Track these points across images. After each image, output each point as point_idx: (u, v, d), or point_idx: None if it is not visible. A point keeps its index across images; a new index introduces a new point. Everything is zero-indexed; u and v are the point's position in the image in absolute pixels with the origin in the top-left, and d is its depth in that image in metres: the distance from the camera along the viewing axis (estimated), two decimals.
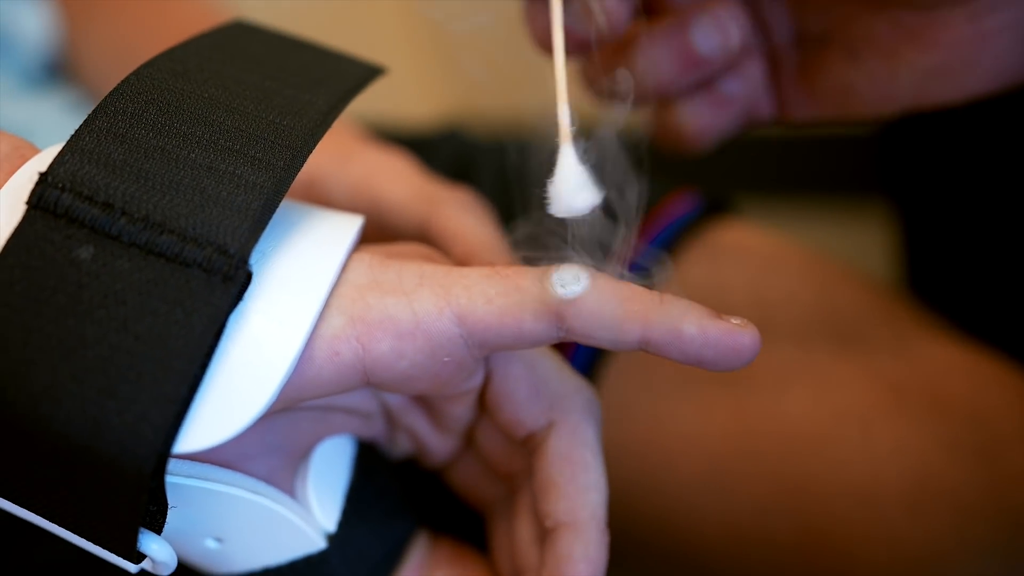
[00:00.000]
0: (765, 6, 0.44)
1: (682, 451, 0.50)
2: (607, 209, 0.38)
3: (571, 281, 0.33)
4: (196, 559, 0.36)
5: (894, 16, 0.40)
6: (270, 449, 0.36)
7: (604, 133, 0.37)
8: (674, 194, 0.56)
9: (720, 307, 0.33)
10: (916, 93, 0.41)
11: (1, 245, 0.30)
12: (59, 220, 0.30)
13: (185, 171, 0.32)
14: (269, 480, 0.35)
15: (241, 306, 0.31)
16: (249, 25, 0.39)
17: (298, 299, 0.32)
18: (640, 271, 0.50)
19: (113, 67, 0.61)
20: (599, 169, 0.35)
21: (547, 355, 0.37)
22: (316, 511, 0.36)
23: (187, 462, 0.33)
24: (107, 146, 0.31)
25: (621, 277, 0.33)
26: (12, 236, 0.30)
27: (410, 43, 1.06)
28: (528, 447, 0.37)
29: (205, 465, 0.34)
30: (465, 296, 0.33)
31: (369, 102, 0.44)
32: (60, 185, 0.30)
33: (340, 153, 0.48)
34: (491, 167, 0.58)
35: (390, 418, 0.38)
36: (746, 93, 0.45)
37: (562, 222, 0.34)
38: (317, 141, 0.34)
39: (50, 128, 0.58)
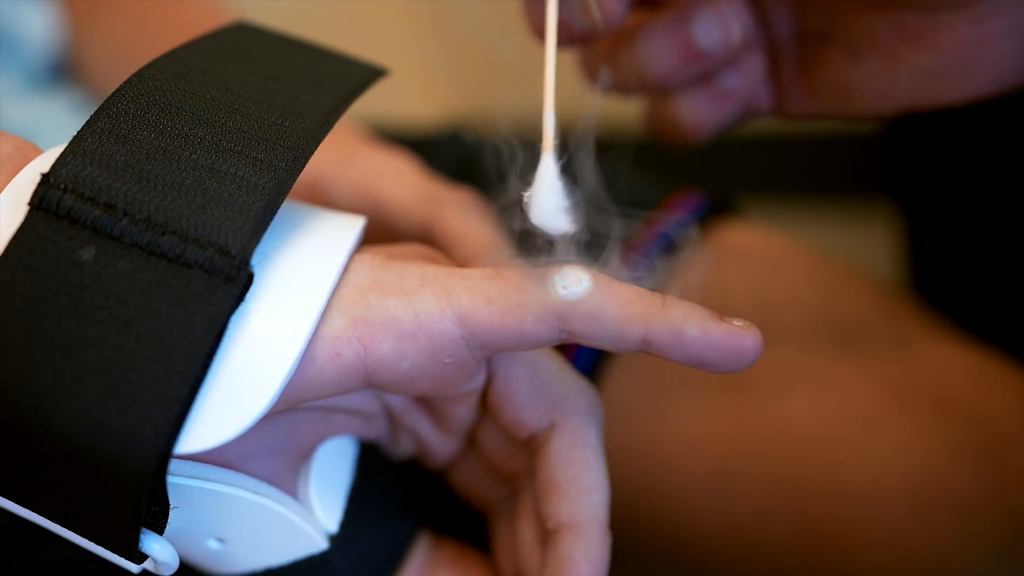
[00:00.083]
0: (767, 1, 0.44)
1: (684, 452, 0.50)
2: (607, 209, 0.38)
3: (573, 283, 0.33)
4: (198, 559, 0.36)
5: (896, 16, 0.40)
6: (272, 450, 0.36)
7: (585, 135, 0.36)
8: (678, 194, 0.56)
9: (723, 308, 0.33)
10: (915, 93, 0.41)
11: (3, 246, 0.30)
12: (61, 221, 0.30)
13: (187, 172, 0.32)
14: (271, 481, 0.35)
15: (242, 307, 0.31)
16: (251, 26, 0.39)
17: (300, 300, 0.32)
18: (642, 272, 0.50)
19: (116, 68, 0.61)
20: (587, 173, 0.35)
21: (549, 356, 0.37)
22: (318, 511, 0.36)
23: (189, 463, 0.33)
24: (109, 147, 0.31)
25: (623, 279, 0.33)
26: (14, 237, 0.30)
27: (413, 44, 1.06)
28: (530, 448, 0.37)
29: (207, 466, 0.34)
30: (467, 297, 0.33)
31: (371, 103, 0.44)
32: (62, 186, 0.30)
33: (342, 154, 0.48)
34: (493, 168, 0.58)
35: (392, 419, 0.38)
36: (745, 87, 0.45)
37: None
38: (319, 142, 0.34)
39: (54, 129, 0.58)
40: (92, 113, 0.32)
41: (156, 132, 0.32)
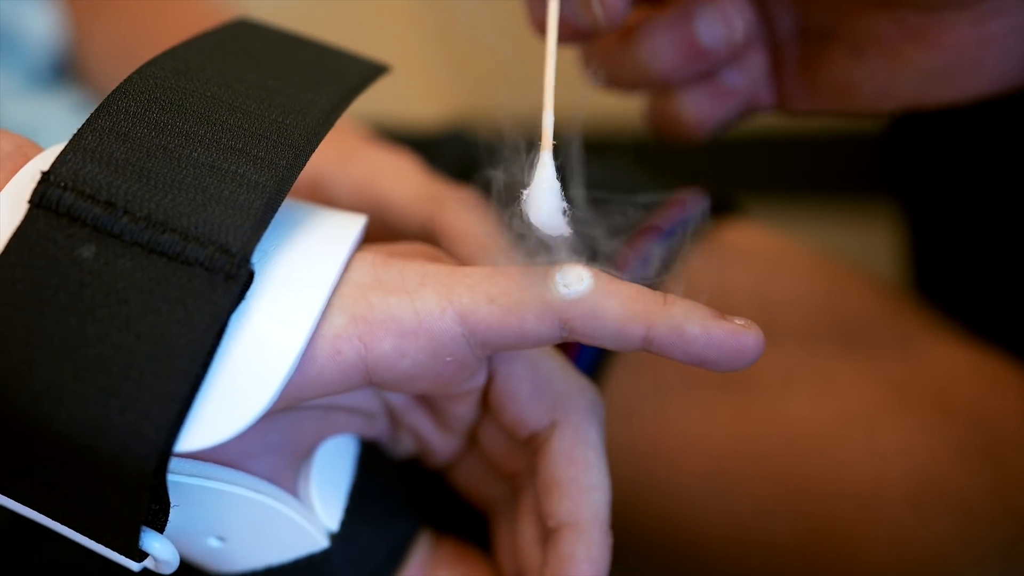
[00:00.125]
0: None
1: (685, 452, 0.50)
2: (608, 208, 0.38)
3: (574, 281, 0.33)
4: (198, 558, 0.36)
5: (899, 15, 0.40)
6: (272, 448, 0.36)
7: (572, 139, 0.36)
8: (679, 194, 0.56)
9: (724, 308, 0.33)
10: (916, 92, 0.41)
11: (3, 244, 0.30)
12: (61, 219, 0.30)
13: (187, 170, 0.32)
14: (271, 479, 0.35)
15: (243, 305, 0.31)
16: (252, 24, 0.39)
17: (300, 298, 0.32)
18: (644, 271, 0.50)
19: (118, 67, 0.61)
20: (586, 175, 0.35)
21: (550, 355, 0.37)
22: (319, 510, 0.36)
23: (189, 461, 0.33)
24: (109, 145, 0.31)
25: (624, 277, 0.33)
26: (14, 235, 0.30)
27: (415, 43, 1.06)
28: (531, 447, 0.37)
29: (207, 464, 0.34)
30: (468, 295, 0.33)
31: (373, 102, 0.44)
32: (62, 184, 0.30)
33: (344, 153, 0.48)
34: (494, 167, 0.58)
35: (393, 418, 0.38)
36: (747, 84, 0.44)
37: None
38: (320, 140, 0.34)
39: (56, 128, 0.58)
40: (93, 111, 0.32)
41: (156, 130, 0.32)
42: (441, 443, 0.39)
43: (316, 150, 0.34)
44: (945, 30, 0.40)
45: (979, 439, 0.49)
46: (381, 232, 0.45)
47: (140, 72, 0.34)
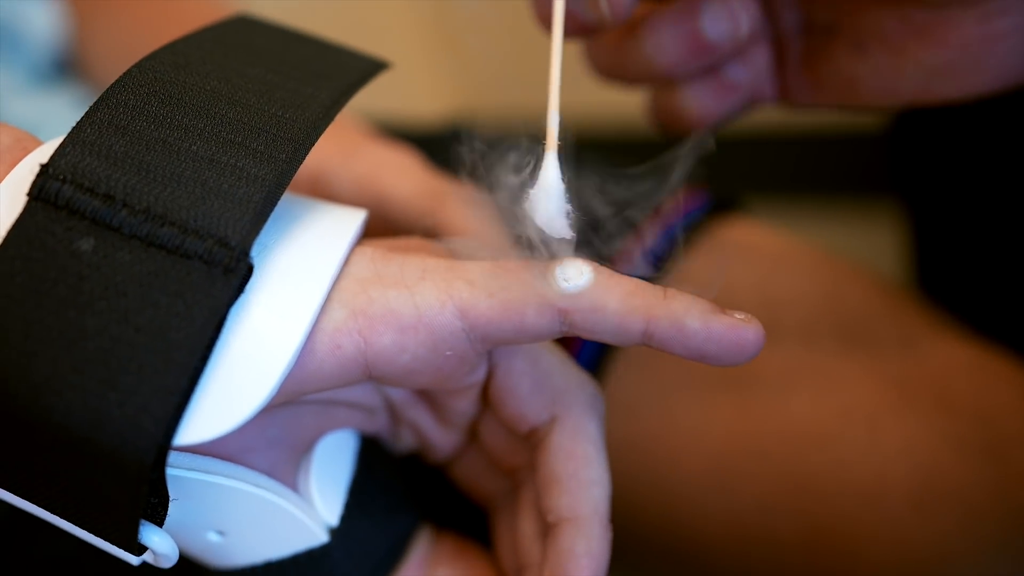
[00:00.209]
0: None
1: (687, 448, 0.50)
2: (610, 205, 0.38)
3: (574, 275, 0.33)
4: (198, 552, 0.36)
5: (904, 12, 0.40)
6: (272, 442, 0.36)
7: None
8: (682, 191, 0.56)
9: (727, 305, 0.33)
10: (920, 89, 0.41)
11: (2, 237, 0.30)
12: (60, 212, 0.30)
13: (186, 163, 0.32)
14: (271, 473, 0.35)
15: (242, 299, 0.31)
16: (252, 19, 0.39)
17: (300, 292, 0.32)
18: (646, 267, 0.50)
19: (120, 64, 0.61)
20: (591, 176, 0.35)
21: (550, 350, 0.37)
22: (318, 505, 0.36)
23: (188, 455, 0.33)
24: (108, 138, 0.31)
25: (625, 273, 0.33)
26: (13, 227, 0.30)
27: (417, 41, 1.06)
28: (531, 442, 0.37)
29: (207, 458, 0.34)
30: (467, 290, 0.33)
31: (376, 99, 0.44)
32: (61, 177, 0.30)
33: (345, 149, 0.48)
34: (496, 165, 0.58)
35: (393, 413, 0.38)
36: (750, 79, 0.44)
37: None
38: (319, 134, 0.34)
39: (58, 124, 0.58)
40: (92, 104, 0.32)
41: (156, 123, 0.32)
42: (441, 438, 0.39)
43: (317, 145, 0.34)
44: (950, 27, 0.40)
45: (981, 437, 0.49)
46: (382, 228, 0.45)
47: (139, 66, 0.34)
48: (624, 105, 0.48)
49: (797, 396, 0.50)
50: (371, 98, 0.41)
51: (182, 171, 0.31)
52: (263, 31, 0.38)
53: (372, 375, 0.33)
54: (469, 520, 0.41)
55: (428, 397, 0.38)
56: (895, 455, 0.49)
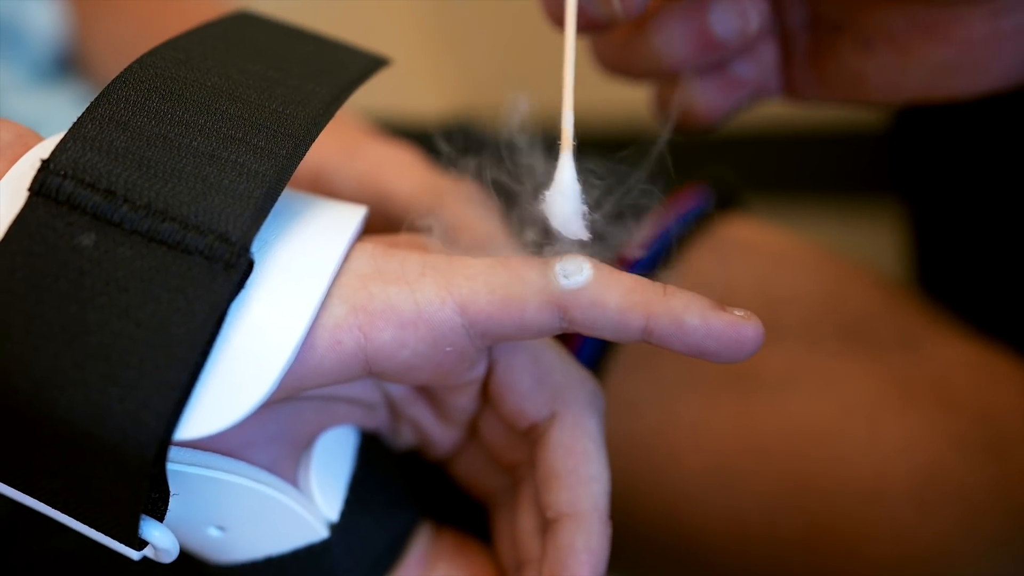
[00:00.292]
0: None
1: (687, 446, 0.50)
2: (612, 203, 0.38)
3: (574, 271, 0.33)
4: (198, 547, 0.36)
5: (911, 10, 0.40)
6: (273, 438, 0.36)
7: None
8: (683, 189, 0.56)
9: (727, 303, 0.33)
10: (925, 86, 0.41)
11: (3, 232, 0.30)
12: (61, 207, 0.30)
13: (187, 159, 0.32)
14: (272, 469, 0.35)
15: (243, 294, 0.31)
16: (253, 16, 0.39)
17: (300, 287, 0.32)
18: (646, 265, 0.50)
19: (121, 61, 0.61)
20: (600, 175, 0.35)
21: (550, 346, 0.37)
22: (319, 500, 0.36)
23: (189, 450, 0.33)
24: (109, 134, 0.31)
25: (625, 269, 0.33)
26: (14, 223, 0.30)
27: (419, 38, 1.06)
28: (531, 438, 0.37)
29: (207, 453, 0.34)
30: (467, 286, 0.33)
31: (378, 97, 0.44)
32: (62, 172, 0.30)
33: (347, 146, 0.48)
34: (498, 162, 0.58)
35: (393, 409, 0.38)
36: (757, 75, 0.44)
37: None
38: (320, 130, 0.34)
39: (59, 121, 0.58)
40: (93, 100, 0.32)
41: (157, 119, 0.32)
42: (441, 434, 0.39)
43: (318, 143, 0.34)
44: (957, 25, 0.40)
45: (982, 435, 0.49)
46: (383, 226, 0.45)
47: (140, 61, 0.34)
48: (630, 101, 0.48)
49: (798, 394, 0.50)
50: (372, 95, 0.41)
51: (183, 167, 0.31)
52: (264, 27, 0.39)
53: (372, 371, 0.33)
54: (469, 516, 0.41)
55: (428, 393, 0.38)
56: (896, 453, 0.49)
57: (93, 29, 0.65)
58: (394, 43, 1.00)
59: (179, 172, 0.31)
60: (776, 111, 0.49)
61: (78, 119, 0.32)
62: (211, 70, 0.34)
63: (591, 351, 0.51)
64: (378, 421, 0.39)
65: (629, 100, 0.47)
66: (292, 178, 0.33)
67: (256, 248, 0.31)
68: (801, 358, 0.51)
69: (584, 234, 0.33)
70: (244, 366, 0.30)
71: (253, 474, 0.35)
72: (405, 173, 0.47)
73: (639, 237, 0.52)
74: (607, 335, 0.33)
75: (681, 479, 0.50)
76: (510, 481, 0.39)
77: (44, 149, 0.32)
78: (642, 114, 0.48)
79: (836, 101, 0.44)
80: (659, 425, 0.51)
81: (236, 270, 0.30)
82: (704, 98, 0.44)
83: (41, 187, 0.30)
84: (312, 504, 0.36)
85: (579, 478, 0.35)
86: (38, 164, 0.31)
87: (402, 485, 0.39)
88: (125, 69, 0.33)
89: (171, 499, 0.32)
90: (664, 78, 0.44)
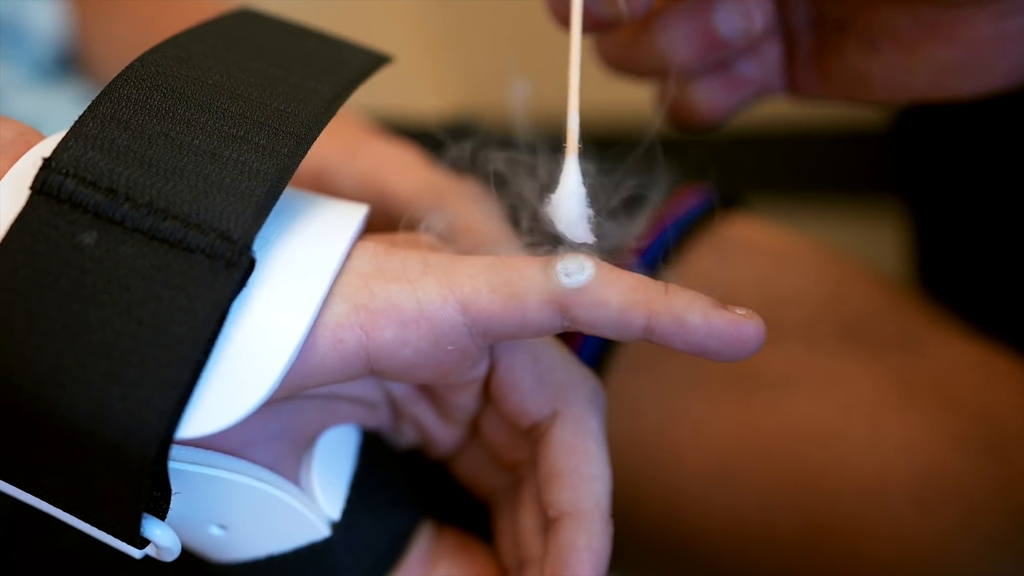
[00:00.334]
0: None
1: (689, 445, 0.50)
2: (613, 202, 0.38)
3: (576, 270, 0.33)
4: (200, 545, 0.36)
5: (916, 10, 0.40)
6: (274, 436, 0.36)
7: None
8: (684, 188, 0.56)
9: (728, 302, 0.33)
10: (930, 86, 0.41)
11: (5, 230, 0.30)
12: (63, 205, 0.30)
13: (189, 157, 0.32)
14: (273, 467, 0.35)
15: (244, 292, 0.31)
16: (254, 13, 0.39)
17: (302, 286, 0.32)
18: (648, 264, 0.50)
19: (122, 60, 0.61)
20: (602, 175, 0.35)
21: (552, 345, 0.37)
22: (320, 499, 0.36)
23: (191, 448, 0.33)
24: (111, 132, 0.31)
25: (627, 269, 0.33)
26: (16, 221, 0.30)
27: (420, 36, 1.06)
28: (532, 437, 0.37)
29: (209, 452, 0.34)
30: (469, 285, 0.33)
31: (379, 96, 0.44)
32: (64, 170, 0.30)
33: (348, 145, 0.48)
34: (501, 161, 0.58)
35: (395, 408, 0.38)
36: (761, 74, 0.44)
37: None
38: (322, 128, 0.34)
39: (60, 120, 0.58)
40: (94, 98, 0.32)
41: (158, 117, 0.32)
42: (443, 433, 0.39)
43: (319, 142, 0.34)
44: (962, 26, 0.40)
45: (983, 434, 0.49)
46: (385, 224, 0.45)
47: (142, 59, 0.34)
48: (633, 99, 0.48)
49: (799, 393, 0.50)
50: (374, 94, 0.41)
51: (184, 165, 0.31)
52: (265, 25, 0.39)
53: (374, 369, 0.33)
54: (470, 515, 0.41)
55: (430, 392, 0.38)
56: (897, 452, 0.49)
57: (94, 28, 0.65)
58: (395, 41, 1.00)
59: (181, 170, 0.31)
60: (778, 110, 0.49)
61: (80, 117, 0.32)
62: (213, 68, 0.34)
63: (592, 350, 0.51)
64: (380, 420, 0.39)
65: (631, 98, 0.47)
66: (293, 176, 0.33)
67: (258, 246, 0.31)
68: (802, 357, 0.51)
69: (590, 239, 0.33)
70: (246, 364, 0.30)
71: (255, 473, 0.35)
72: (406, 172, 0.46)
73: (640, 235, 0.52)
74: (609, 334, 0.33)
75: (682, 478, 0.50)
76: (511, 480, 0.39)
77: (46, 147, 0.32)
78: (644, 112, 0.47)
79: (839, 100, 0.44)
80: (660, 424, 0.51)
81: (238, 268, 0.30)
82: (707, 97, 0.44)
83: (43, 185, 0.30)
84: (314, 503, 0.36)
85: (581, 477, 0.35)
86: (40, 162, 0.31)
87: (404, 484, 0.39)
88: (127, 67, 0.33)
89: (173, 497, 0.32)
90: (668, 77, 0.44)
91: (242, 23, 0.38)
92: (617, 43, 0.43)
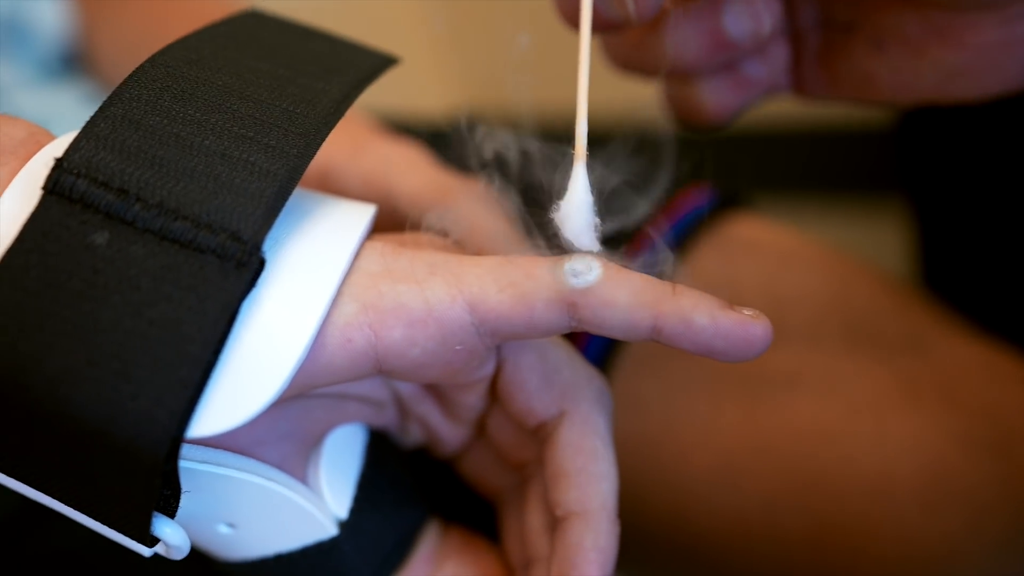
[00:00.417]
0: None
1: (694, 445, 0.50)
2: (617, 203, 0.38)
3: (583, 270, 0.33)
4: (208, 544, 0.36)
5: (924, 13, 0.40)
6: (283, 436, 0.36)
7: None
8: (688, 187, 0.56)
9: (733, 302, 0.33)
10: (936, 88, 0.41)
11: (17, 230, 0.30)
12: (74, 205, 0.30)
13: (199, 158, 0.32)
14: (281, 466, 0.36)
15: (254, 292, 0.31)
16: (263, 15, 0.39)
17: (311, 286, 0.32)
18: (653, 263, 0.50)
19: (128, 59, 0.61)
20: (610, 175, 0.35)
21: (558, 344, 0.37)
22: (328, 498, 0.36)
23: (201, 447, 0.34)
24: (122, 132, 0.32)
25: (633, 268, 0.33)
26: (28, 221, 0.30)
27: (426, 36, 1.06)
28: (539, 436, 0.37)
29: (218, 451, 0.34)
30: (477, 284, 0.33)
31: (385, 95, 0.44)
32: (75, 171, 0.31)
33: (354, 145, 0.48)
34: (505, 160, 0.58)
35: (402, 407, 0.39)
36: (768, 74, 0.44)
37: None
38: (330, 129, 0.34)
39: (67, 119, 0.59)
40: (106, 99, 0.32)
41: (169, 118, 0.32)
42: (449, 433, 0.39)
43: (326, 141, 0.34)
44: (970, 30, 0.39)
45: (988, 434, 0.49)
46: (391, 224, 0.45)
47: (152, 60, 0.34)
48: (635, 98, 0.48)
49: (804, 393, 0.50)
50: (379, 94, 0.41)
51: (195, 166, 0.32)
52: (273, 26, 0.39)
53: (382, 369, 0.33)
54: (477, 514, 0.41)
55: (437, 392, 0.38)
56: (902, 452, 0.49)
57: (99, 27, 0.65)
58: (401, 41, 1.00)
59: (191, 171, 0.31)
60: (782, 109, 0.49)
61: (91, 118, 0.32)
62: (222, 69, 0.34)
63: (597, 349, 0.51)
64: (387, 419, 0.39)
65: (635, 96, 0.47)
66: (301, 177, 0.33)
67: (267, 247, 0.32)
68: (807, 357, 0.51)
69: (596, 246, 0.33)
70: (256, 364, 0.31)
71: (263, 471, 0.35)
72: (412, 171, 0.47)
73: (645, 235, 0.52)
74: (616, 334, 0.33)
75: (688, 477, 0.50)
76: (518, 479, 0.39)
77: (57, 147, 0.32)
78: (650, 111, 0.48)
79: (846, 101, 0.44)
80: (666, 424, 0.51)
81: (248, 269, 0.31)
82: (714, 96, 0.44)
83: (55, 186, 0.30)
84: (321, 501, 0.36)
85: (588, 476, 0.35)
86: (51, 162, 0.31)
87: (410, 483, 0.39)
88: (137, 68, 0.33)
89: (182, 496, 0.32)
90: (675, 77, 0.45)
91: (250, 24, 0.38)
92: (624, 43, 0.43)
